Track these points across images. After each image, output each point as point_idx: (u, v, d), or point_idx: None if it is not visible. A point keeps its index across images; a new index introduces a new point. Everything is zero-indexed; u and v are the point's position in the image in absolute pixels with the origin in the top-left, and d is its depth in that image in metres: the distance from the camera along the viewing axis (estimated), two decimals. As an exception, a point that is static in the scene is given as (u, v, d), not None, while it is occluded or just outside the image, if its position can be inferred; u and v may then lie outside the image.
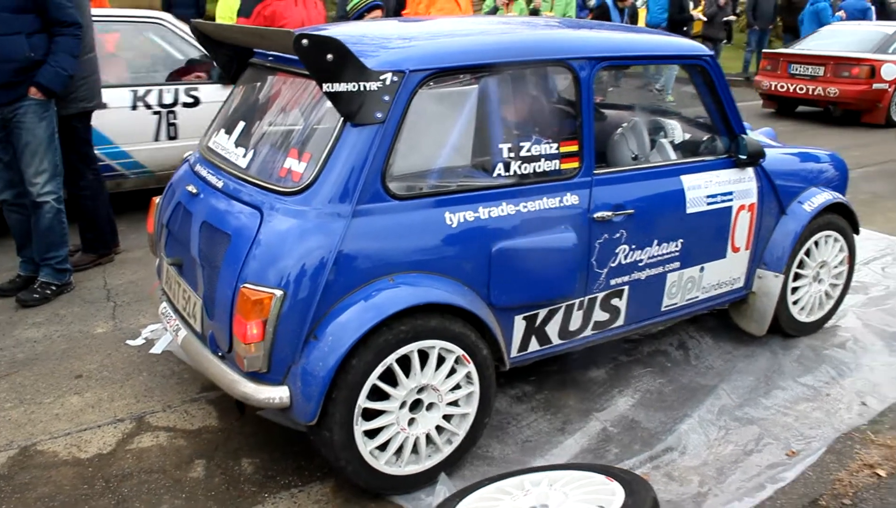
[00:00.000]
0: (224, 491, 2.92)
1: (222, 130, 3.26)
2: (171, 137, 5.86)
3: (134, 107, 5.68)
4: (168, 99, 5.79)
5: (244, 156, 3.00)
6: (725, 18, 12.54)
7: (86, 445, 3.17)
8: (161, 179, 5.57)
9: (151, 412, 3.41)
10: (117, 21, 5.98)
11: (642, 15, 12.26)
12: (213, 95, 5.84)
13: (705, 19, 12.40)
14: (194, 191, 3.07)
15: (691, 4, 12.69)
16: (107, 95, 5.09)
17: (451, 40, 3.10)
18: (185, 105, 5.86)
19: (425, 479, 2.90)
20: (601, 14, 10.53)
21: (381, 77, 2.66)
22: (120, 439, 3.21)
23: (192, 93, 5.88)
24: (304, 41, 2.48)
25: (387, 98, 2.67)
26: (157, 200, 3.50)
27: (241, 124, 3.16)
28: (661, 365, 3.87)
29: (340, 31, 3.10)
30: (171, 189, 3.39)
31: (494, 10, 9.59)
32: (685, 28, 12.16)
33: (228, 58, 3.45)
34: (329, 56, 2.52)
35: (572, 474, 2.62)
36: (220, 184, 2.98)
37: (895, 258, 5.43)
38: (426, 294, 2.73)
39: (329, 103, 2.67)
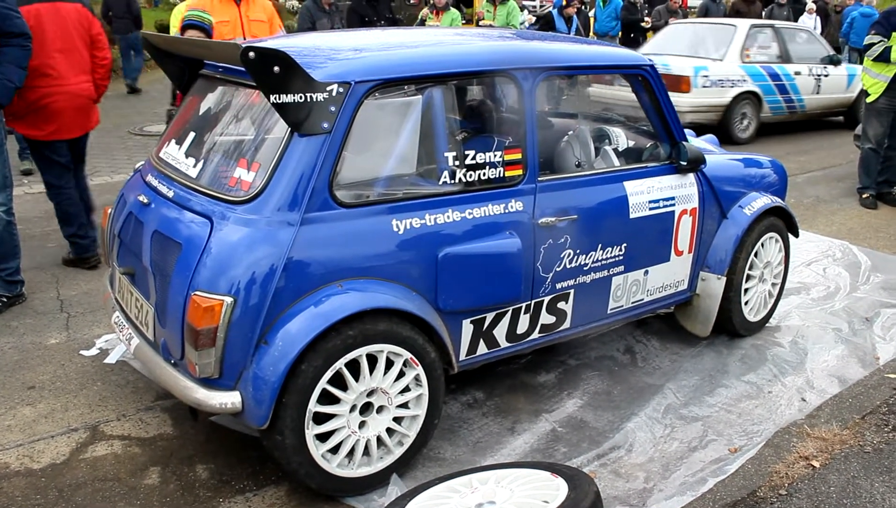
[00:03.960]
0: (179, 497, 2.94)
1: (173, 141, 3.29)
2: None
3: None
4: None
5: (194, 166, 3.04)
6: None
7: (38, 455, 3.17)
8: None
9: (106, 421, 3.42)
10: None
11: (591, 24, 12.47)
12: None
13: (649, 26, 12.65)
14: (145, 201, 3.10)
15: (645, 11, 12.97)
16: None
17: (398, 52, 3.19)
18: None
19: (378, 480, 2.95)
20: (546, 24, 10.68)
21: (328, 88, 2.72)
22: (74, 448, 3.22)
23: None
24: (251, 53, 2.53)
25: (333, 109, 2.74)
26: (108, 209, 3.52)
27: (192, 135, 3.20)
28: (609, 367, 3.97)
29: (290, 42, 3.16)
30: (122, 199, 3.40)
31: (422, 22, 9.64)
32: (639, 38, 12.43)
33: (179, 69, 3.48)
34: (276, 68, 2.58)
35: (519, 472, 2.70)
36: (170, 194, 3.01)
37: (835, 260, 5.62)
38: (374, 299, 2.78)
39: (273, 114, 2.75)
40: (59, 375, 3.80)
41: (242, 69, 2.65)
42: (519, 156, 3.21)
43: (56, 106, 4.80)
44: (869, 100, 7.15)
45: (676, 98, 10.18)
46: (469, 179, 3.09)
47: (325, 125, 2.74)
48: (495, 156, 3.16)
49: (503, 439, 3.34)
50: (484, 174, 3.13)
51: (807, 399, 3.72)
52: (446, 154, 3.07)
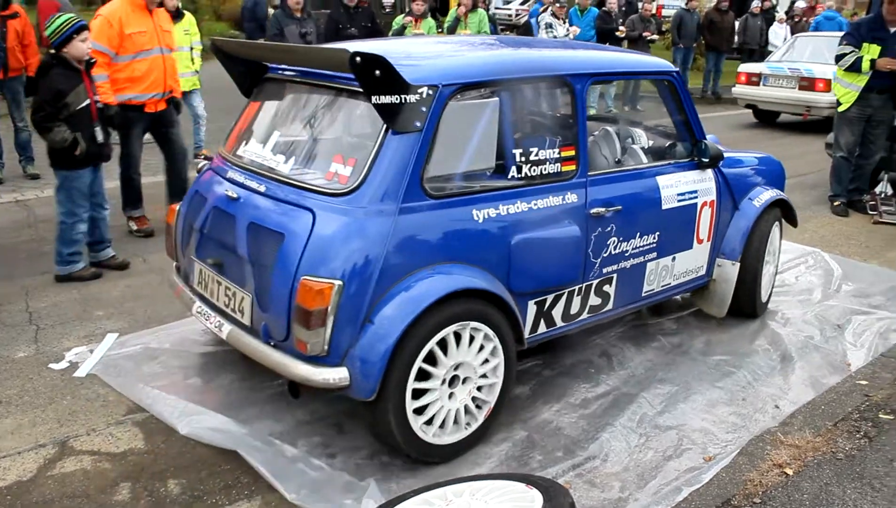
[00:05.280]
0: (149, 513, 2.90)
1: (253, 140, 3.55)
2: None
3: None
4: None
5: (285, 162, 3.30)
6: (648, 38, 12.89)
7: (4, 473, 3.11)
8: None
9: (75, 436, 3.36)
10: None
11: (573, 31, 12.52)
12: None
13: (623, 36, 12.73)
14: (234, 195, 3.32)
15: (620, 21, 13.05)
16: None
17: (473, 57, 3.62)
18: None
19: (465, 446, 3.25)
20: (525, 31, 10.76)
21: (419, 90, 3.00)
22: (41, 465, 3.16)
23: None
24: (358, 59, 2.78)
25: (424, 109, 3.02)
26: (177, 207, 3.76)
27: (276, 134, 3.46)
28: (585, 375, 3.98)
29: (377, 47, 3.31)
30: (197, 196, 3.62)
31: (402, 29, 9.67)
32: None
33: (242, 74, 3.75)
34: (377, 72, 2.84)
35: (493, 483, 2.68)
36: (262, 188, 3.24)
37: (808, 267, 5.68)
38: (463, 281, 3.08)
39: (367, 113, 3.06)
40: (27, 389, 3.73)
41: (324, 72, 3.10)
42: (573, 153, 3.56)
43: None
44: (841, 109, 7.24)
45: (818, 96, 11.20)
46: (532, 174, 3.41)
47: (418, 124, 3.01)
48: (553, 153, 3.49)
49: (479, 449, 3.31)
50: (545, 169, 3.45)
51: (780, 407, 3.75)
52: (514, 151, 3.36)
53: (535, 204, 3.38)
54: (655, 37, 13.52)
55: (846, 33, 7.50)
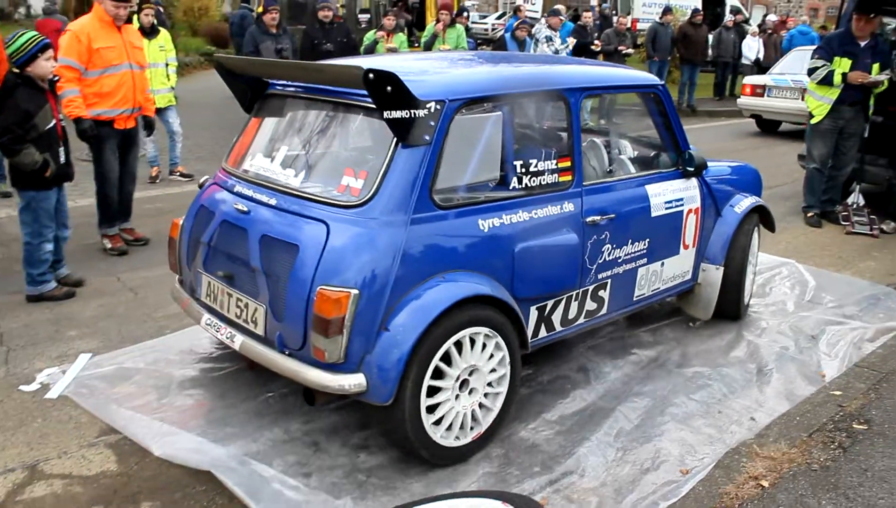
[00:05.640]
0: (121, 537, 2.86)
1: (259, 154, 3.61)
2: None
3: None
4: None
5: (295, 176, 3.37)
6: (624, 51, 12.99)
7: (-27, 498, 3.06)
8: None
9: (46, 459, 3.31)
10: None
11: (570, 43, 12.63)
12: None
13: (599, 49, 12.85)
14: (244, 209, 3.37)
15: (596, 35, 13.16)
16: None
17: (476, 73, 3.77)
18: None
19: (469, 450, 3.34)
20: (498, 47, 10.83)
21: (427, 105, 3.10)
22: (10, 490, 3.10)
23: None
24: (371, 75, 2.87)
25: (432, 123, 3.13)
26: (179, 221, 3.81)
27: (283, 148, 3.53)
28: (562, 391, 3.97)
29: (386, 63, 3.40)
30: (202, 210, 3.66)
31: (375, 44, 9.70)
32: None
33: (243, 90, 3.82)
34: (388, 87, 2.93)
35: (469, 501, 2.67)
36: (272, 201, 3.31)
37: (783, 279, 5.73)
38: (474, 288, 3.19)
39: (376, 127, 3.19)
40: (-2, 412, 3.68)
41: (340, 89, 3.25)
42: (569, 163, 3.70)
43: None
44: (813, 121, 7.32)
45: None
46: (532, 184, 3.54)
47: (427, 137, 3.12)
48: (551, 164, 3.62)
49: (455, 466, 3.30)
50: (543, 180, 3.59)
51: (756, 419, 3.76)
52: (514, 162, 3.49)
53: (536, 213, 3.51)
54: (631, 50, 13.64)
55: (818, 47, 7.61)
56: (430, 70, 3.62)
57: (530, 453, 3.42)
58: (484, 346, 3.28)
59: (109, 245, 5.98)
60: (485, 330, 3.25)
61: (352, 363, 2.99)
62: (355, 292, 2.94)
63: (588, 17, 13.13)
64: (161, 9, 15.13)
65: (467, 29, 10.98)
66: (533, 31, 11.56)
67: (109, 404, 3.71)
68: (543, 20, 12.20)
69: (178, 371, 4.05)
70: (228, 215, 3.45)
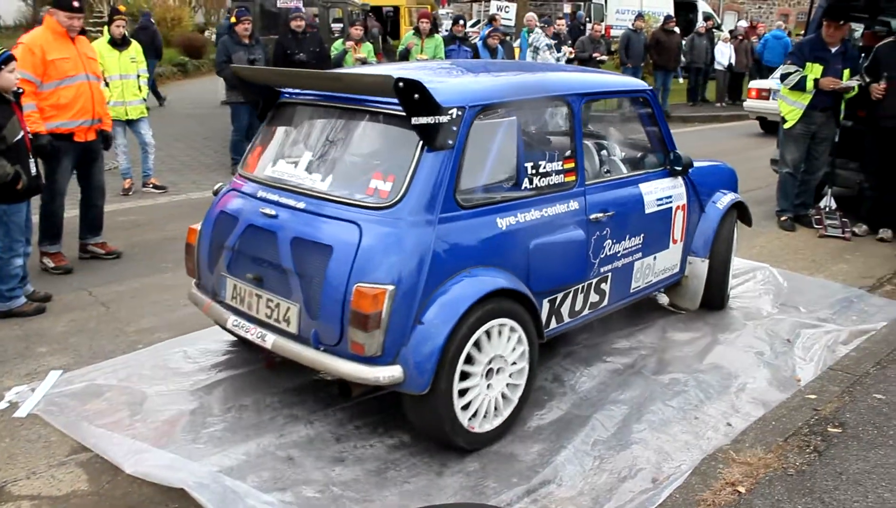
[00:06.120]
0: (91, 559, 2.80)
1: (281, 161, 3.77)
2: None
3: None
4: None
5: (322, 180, 3.52)
6: (598, 58, 13.08)
7: (-62, 521, 2.99)
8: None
9: (13, 480, 3.24)
10: None
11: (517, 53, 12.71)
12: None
13: (573, 57, 12.93)
14: (271, 213, 3.50)
15: (568, 44, 13.23)
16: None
17: (490, 81, 4.03)
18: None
19: (491, 437, 3.51)
20: (474, 54, 10.86)
21: (449, 111, 3.29)
22: (-23, 511, 3.04)
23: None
24: (401, 84, 3.06)
25: (454, 128, 3.32)
26: (196, 227, 3.92)
27: (307, 154, 3.68)
28: (538, 402, 3.94)
29: (405, 73, 3.40)
30: (223, 216, 3.77)
31: (344, 53, 9.66)
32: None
33: (255, 99, 4.05)
34: (416, 95, 3.11)
35: (445, 514, 2.64)
36: (300, 205, 3.45)
37: (757, 283, 5.76)
38: (498, 282, 3.39)
39: (401, 133, 3.33)
40: (-35, 432, 3.60)
41: (363, 97, 3.45)
42: (573, 164, 3.93)
43: None
44: (786, 126, 7.38)
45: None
46: (541, 185, 3.75)
47: (450, 142, 3.30)
48: (557, 165, 3.84)
49: (432, 480, 3.28)
50: (551, 180, 3.80)
51: (732, 424, 3.77)
52: (525, 164, 3.68)
53: (546, 212, 3.72)
54: (605, 57, 13.74)
55: (790, 53, 7.68)
56: (445, 79, 3.80)
57: (507, 463, 3.40)
58: (508, 338, 3.47)
59: (52, 264, 5.76)
60: (509, 322, 3.44)
61: (388, 355, 3.16)
62: (391, 288, 3.11)
63: (561, 24, 13.21)
64: (152, 20, 15.30)
65: (464, 38, 10.93)
66: (531, 40, 11.65)
67: (80, 421, 3.65)
68: (539, 29, 12.28)
69: (151, 387, 3.98)
70: (254, 220, 3.57)
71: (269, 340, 3.45)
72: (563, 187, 3.85)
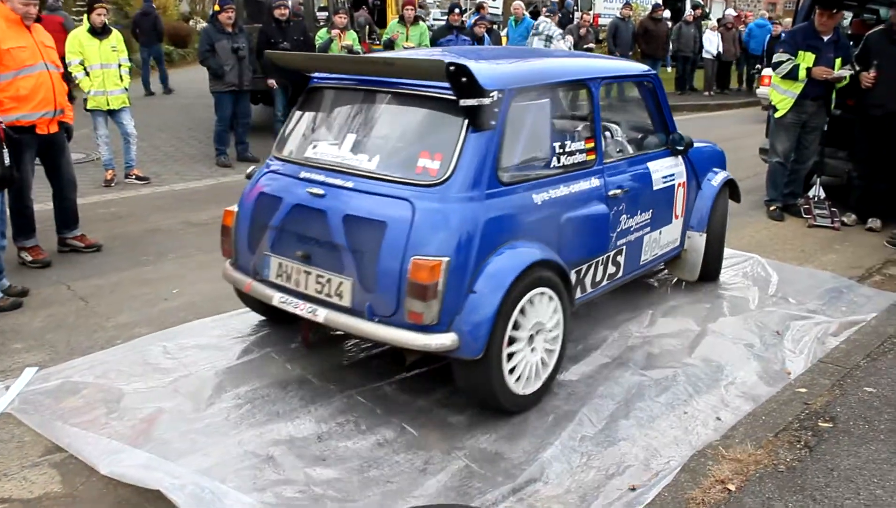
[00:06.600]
0: (63, 564, 2.72)
1: (323, 143, 3.93)
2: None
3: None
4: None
5: (369, 160, 3.67)
6: (586, 46, 12.99)
7: None
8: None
9: (-16, 481, 3.15)
10: None
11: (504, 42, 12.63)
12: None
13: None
14: (319, 192, 3.64)
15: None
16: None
17: (524, 65, 4.34)
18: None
19: (531, 400, 3.73)
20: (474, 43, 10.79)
21: (492, 93, 3.46)
22: (-54, 515, 2.95)
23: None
24: (452, 68, 3.25)
25: (496, 110, 3.51)
26: (233, 209, 4.06)
27: (351, 136, 3.83)
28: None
29: (451, 58, 3.57)
30: (263, 197, 3.91)
31: (329, 42, 9.53)
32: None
33: (285, 83, 4.42)
34: (463, 78, 3.29)
35: (428, 517, 2.57)
36: (349, 184, 3.61)
37: (745, 274, 5.70)
38: (538, 254, 3.60)
39: (447, 114, 3.54)
40: (-65, 432, 3.50)
41: (400, 81, 3.67)
42: (593, 144, 4.17)
43: None
44: (777, 115, 7.32)
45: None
46: (567, 163, 3.99)
47: (493, 122, 3.50)
48: (580, 144, 4.09)
49: (415, 479, 3.20)
50: (575, 159, 4.04)
51: (722, 418, 3.71)
52: (555, 144, 3.94)
53: (572, 188, 3.96)
54: (593, 45, 13.65)
55: (782, 41, 7.61)
56: (482, 64, 3.86)
57: (493, 461, 3.33)
58: (546, 306, 3.67)
59: (30, 258, 5.63)
60: (548, 291, 3.65)
61: (444, 323, 3.34)
62: (447, 259, 3.30)
63: (553, 18, 13.12)
64: (154, 6, 15.30)
65: (460, 28, 10.79)
66: (542, 28, 11.54)
67: (55, 420, 3.55)
68: (547, 19, 12.17)
69: (129, 384, 3.89)
70: (301, 199, 3.70)
71: (321, 314, 3.57)
72: (585, 166, 4.08)
